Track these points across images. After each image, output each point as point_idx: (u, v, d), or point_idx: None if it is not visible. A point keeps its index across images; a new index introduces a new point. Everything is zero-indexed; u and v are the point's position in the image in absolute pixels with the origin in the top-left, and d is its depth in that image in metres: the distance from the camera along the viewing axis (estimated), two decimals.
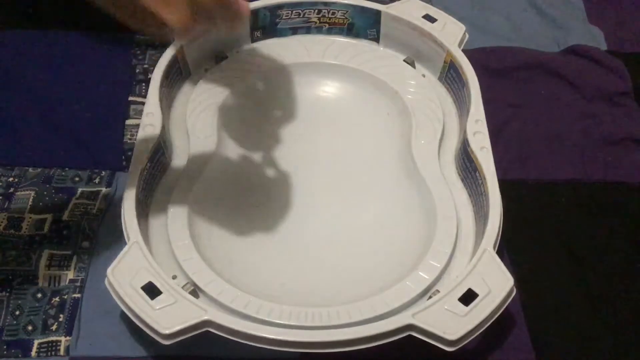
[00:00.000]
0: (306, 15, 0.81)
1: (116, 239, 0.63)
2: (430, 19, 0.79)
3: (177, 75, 0.76)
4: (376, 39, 0.82)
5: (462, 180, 0.70)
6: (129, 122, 0.80)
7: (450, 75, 0.77)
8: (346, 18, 0.81)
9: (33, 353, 0.62)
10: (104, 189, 0.74)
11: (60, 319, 0.64)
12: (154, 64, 0.84)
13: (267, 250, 0.66)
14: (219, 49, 0.80)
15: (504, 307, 0.57)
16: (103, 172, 0.75)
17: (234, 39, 0.80)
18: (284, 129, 0.77)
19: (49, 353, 0.62)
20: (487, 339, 0.62)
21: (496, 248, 0.61)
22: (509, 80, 0.87)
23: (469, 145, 0.68)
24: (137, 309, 0.55)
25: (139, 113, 0.80)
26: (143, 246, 0.59)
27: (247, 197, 0.71)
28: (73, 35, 0.89)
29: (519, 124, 0.82)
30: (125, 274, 0.57)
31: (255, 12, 0.79)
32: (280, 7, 0.80)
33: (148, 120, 0.68)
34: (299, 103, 0.78)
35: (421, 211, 0.68)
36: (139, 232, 0.60)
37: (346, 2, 0.80)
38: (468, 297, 0.57)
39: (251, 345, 0.55)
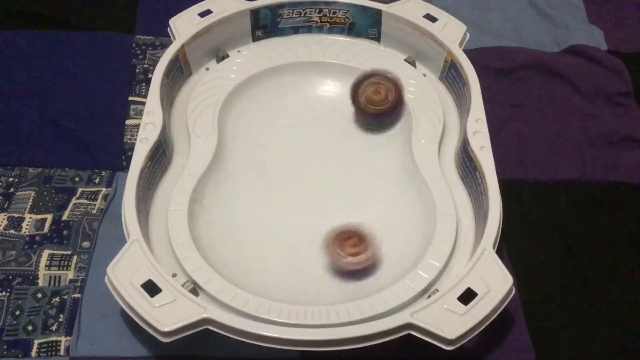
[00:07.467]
0: (307, 15, 0.81)
1: (116, 239, 0.63)
2: (431, 18, 0.79)
3: (178, 74, 0.76)
4: (377, 39, 0.82)
5: (462, 180, 0.70)
6: (129, 122, 0.80)
7: (451, 75, 0.77)
8: (347, 17, 0.81)
9: (33, 353, 0.62)
10: (104, 189, 0.74)
11: (60, 319, 0.64)
12: (154, 64, 0.84)
13: (267, 248, 0.66)
14: (220, 48, 0.80)
15: (503, 306, 0.57)
16: (103, 172, 0.75)
17: (236, 37, 0.80)
18: (285, 128, 0.77)
19: (49, 353, 0.62)
20: (487, 338, 0.62)
21: (496, 247, 0.61)
22: (509, 80, 0.87)
23: (469, 145, 0.67)
24: (136, 307, 0.55)
25: (139, 113, 0.80)
26: (143, 244, 0.59)
27: (248, 195, 0.71)
28: (73, 35, 0.89)
29: (519, 124, 0.82)
30: (125, 271, 0.57)
31: (256, 11, 0.79)
32: (281, 6, 0.80)
33: (149, 119, 0.68)
34: (299, 102, 0.78)
35: (421, 210, 0.68)
36: (139, 229, 0.60)
37: (347, 1, 0.80)
38: (467, 296, 0.57)
39: (251, 344, 0.55)
